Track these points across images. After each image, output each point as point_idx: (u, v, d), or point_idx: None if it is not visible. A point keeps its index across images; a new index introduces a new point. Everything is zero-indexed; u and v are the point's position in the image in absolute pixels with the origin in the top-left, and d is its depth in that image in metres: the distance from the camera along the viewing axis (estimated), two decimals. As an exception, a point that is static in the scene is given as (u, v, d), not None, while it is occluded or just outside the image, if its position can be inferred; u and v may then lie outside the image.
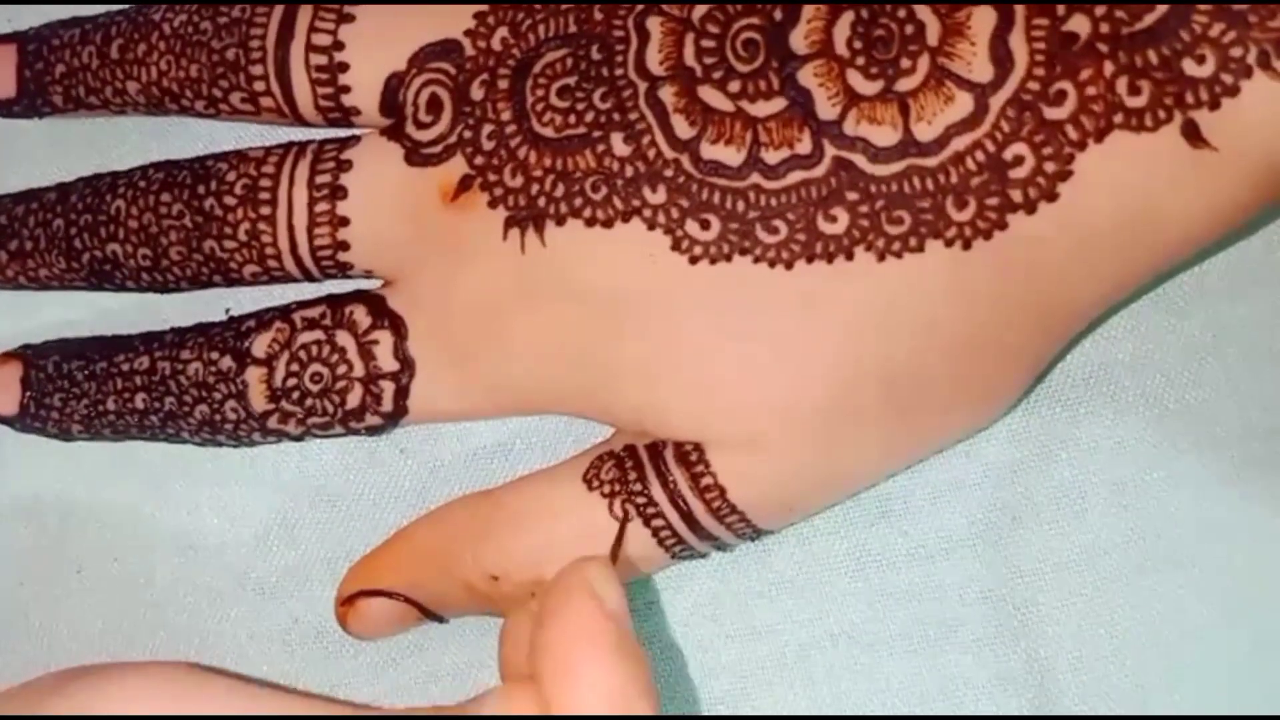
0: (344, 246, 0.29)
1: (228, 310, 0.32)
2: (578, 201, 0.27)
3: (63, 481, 0.32)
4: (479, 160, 0.28)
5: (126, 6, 0.31)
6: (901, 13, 0.26)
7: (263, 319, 0.30)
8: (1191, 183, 0.25)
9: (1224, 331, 0.31)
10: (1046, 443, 0.31)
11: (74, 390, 0.31)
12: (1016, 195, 0.25)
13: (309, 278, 0.30)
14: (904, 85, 0.26)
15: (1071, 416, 0.31)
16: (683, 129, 0.27)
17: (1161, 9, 0.24)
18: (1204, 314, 0.31)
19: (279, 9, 0.29)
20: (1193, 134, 0.25)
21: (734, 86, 0.26)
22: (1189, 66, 0.24)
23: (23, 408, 0.31)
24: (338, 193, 0.29)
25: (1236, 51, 0.24)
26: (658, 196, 0.27)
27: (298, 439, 0.30)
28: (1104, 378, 0.31)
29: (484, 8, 0.28)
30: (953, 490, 0.31)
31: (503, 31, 0.28)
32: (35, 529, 0.32)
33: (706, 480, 0.27)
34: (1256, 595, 0.30)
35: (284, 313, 0.30)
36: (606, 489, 0.28)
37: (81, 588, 0.32)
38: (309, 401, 0.29)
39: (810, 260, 0.26)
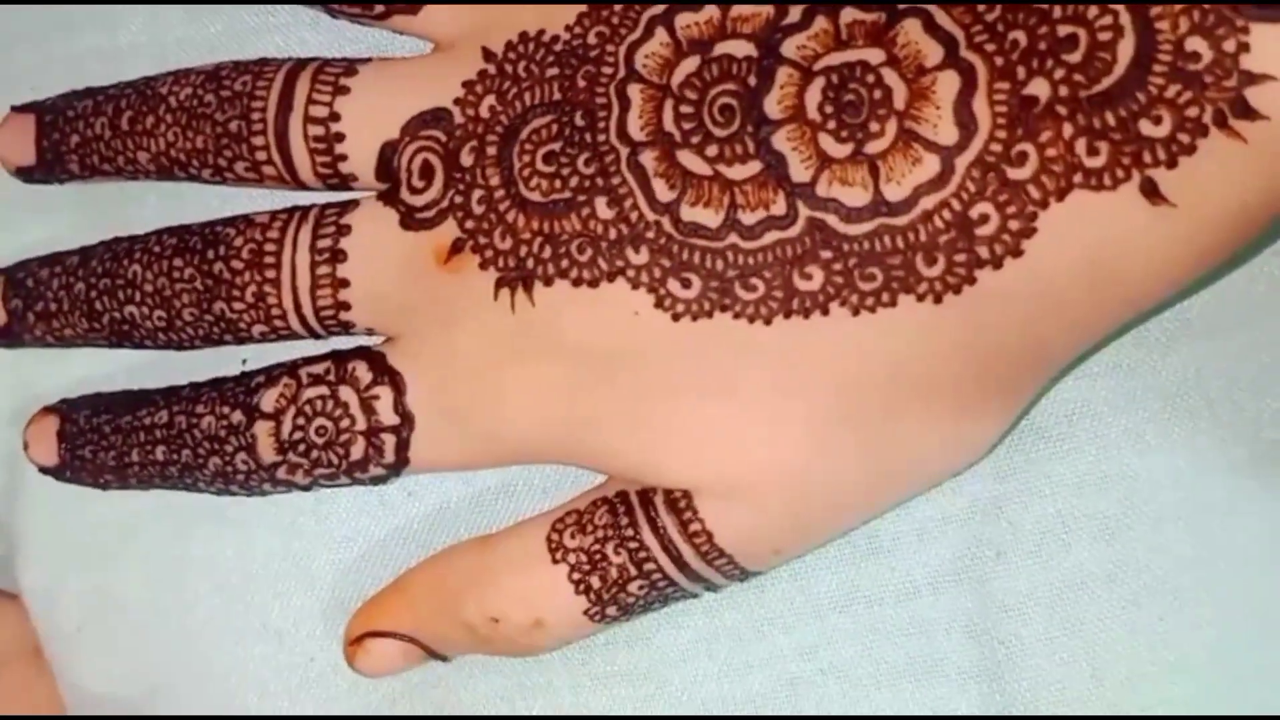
0: (345, 307, 0.30)
1: (244, 361, 0.33)
2: (564, 263, 0.28)
3: (101, 527, 0.34)
4: (470, 224, 0.29)
5: (136, 79, 0.32)
6: (870, 78, 0.26)
7: (271, 374, 0.31)
8: (1152, 238, 0.25)
9: (1206, 366, 0.31)
10: (1030, 478, 0.31)
11: (103, 443, 0.32)
12: (984, 252, 0.26)
13: (314, 335, 0.31)
14: (873, 148, 0.26)
15: (1055, 452, 0.31)
16: (663, 192, 0.27)
17: (1118, 72, 0.25)
18: (1186, 349, 0.31)
19: (278, 83, 0.30)
20: (1152, 191, 0.25)
21: (712, 151, 0.27)
22: (1146, 127, 0.25)
23: (61, 460, 0.33)
24: (338, 256, 0.30)
25: (1193, 111, 0.24)
26: (640, 257, 0.28)
27: (306, 489, 0.31)
28: (1087, 413, 0.31)
29: (472, 77, 0.29)
30: (939, 525, 0.31)
31: (490, 100, 0.29)
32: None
33: (695, 526, 0.28)
34: (1241, 629, 0.30)
35: (291, 369, 0.31)
36: (600, 534, 0.29)
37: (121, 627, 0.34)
38: (314, 454, 0.30)
39: (788, 316, 0.27)
